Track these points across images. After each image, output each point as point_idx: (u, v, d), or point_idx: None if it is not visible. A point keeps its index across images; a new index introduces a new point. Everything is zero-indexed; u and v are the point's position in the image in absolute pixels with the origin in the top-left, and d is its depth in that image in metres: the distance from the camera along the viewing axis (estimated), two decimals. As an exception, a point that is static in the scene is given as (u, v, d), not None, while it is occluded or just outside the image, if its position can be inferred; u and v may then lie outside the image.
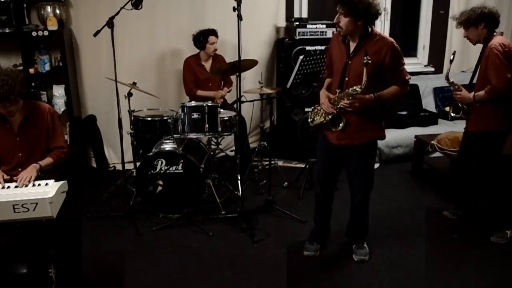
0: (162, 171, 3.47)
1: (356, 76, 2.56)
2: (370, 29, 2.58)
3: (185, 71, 4.31)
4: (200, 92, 4.27)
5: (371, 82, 2.55)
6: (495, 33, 2.96)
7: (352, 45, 2.63)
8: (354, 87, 2.54)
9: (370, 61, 2.44)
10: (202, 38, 4.18)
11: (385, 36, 2.64)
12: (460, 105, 3.14)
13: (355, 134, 2.69)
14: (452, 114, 3.20)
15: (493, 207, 3.22)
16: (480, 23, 2.94)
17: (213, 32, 4.19)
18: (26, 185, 2.47)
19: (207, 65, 4.33)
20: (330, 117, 2.67)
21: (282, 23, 4.91)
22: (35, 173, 2.55)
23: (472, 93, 3.02)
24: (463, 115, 3.16)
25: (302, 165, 4.34)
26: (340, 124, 2.65)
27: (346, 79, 2.63)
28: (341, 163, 2.88)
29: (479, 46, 3.07)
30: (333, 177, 2.95)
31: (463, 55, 5.43)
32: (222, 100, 4.23)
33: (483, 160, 3.10)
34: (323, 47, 4.24)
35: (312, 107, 2.89)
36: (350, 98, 2.56)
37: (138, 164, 3.63)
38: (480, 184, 3.20)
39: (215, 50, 4.22)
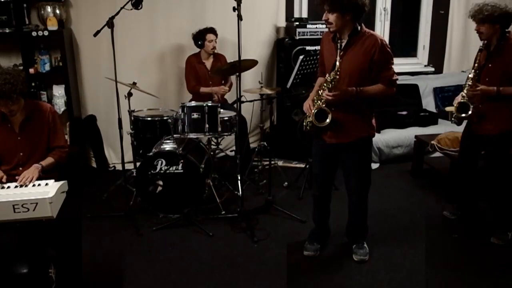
0: (162, 171, 3.47)
1: (348, 74, 2.57)
2: (359, 27, 2.59)
3: (187, 69, 4.35)
4: (203, 89, 4.30)
5: (361, 80, 2.57)
6: (508, 33, 2.93)
7: (342, 43, 2.63)
8: (331, 73, 2.55)
9: None
10: (200, 37, 4.22)
11: (375, 33, 2.64)
12: (468, 103, 3.03)
13: (344, 132, 2.70)
14: (462, 115, 3.05)
15: (499, 208, 3.21)
16: (498, 22, 2.88)
17: (211, 30, 4.22)
18: (26, 185, 2.47)
19: (208, 63, 4.35)
20: (315, 111, 2.63)
21: (282, 23, 4.92)
22: (37, 174, 2.56)
23: (494, 87, 2.93)
24: (468, 117, 3.08)
25: (302, 165, 4.34)
26: (327, 120, 2.60)
27: (337, 77, 2.64)
28: (336, 163, 2.90)
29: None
30: (330, 176, 2.97)
31: (463, 55, 5.44)
32: (223, 93, 4.26)
33: (500, 160, 3.06)
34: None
35: (306, 115, 2.84)
36: (331, 85, 2.55)
37: (138, 164, 3.63)
38: (490, 184, 3.17)
39: (214, 48, 4.25)
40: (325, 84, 2.60)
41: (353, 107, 2.64)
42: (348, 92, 2.57)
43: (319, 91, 2.67)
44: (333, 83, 2.56)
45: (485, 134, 3.08)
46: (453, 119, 3.18)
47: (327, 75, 2.61)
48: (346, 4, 2.47)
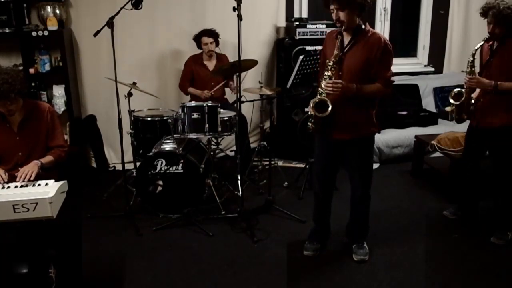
0: (162, 171, 3.47)
1: (350, 70, 2.59)
2: (363, 25, 2.62)
3: (184, 68, 4.38)
4: (190, 90, 4.33)
5: (361, 77, 2.60)
6: None
7: (346, 40, 2.65)
8: (331, 60, 2.60)
9: None
10: (196, 40, 4.26)
11: (379, 32, 2.70)
12: (463, 92, 3.11)
13: (353, 128, 2.72)
14: (451, 101, 3.18)
15: (499, 207, 3.20)
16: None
17: (206, 33, 4.21)
18: (27, 185, 2.47)
19: (210, 64, 4.35)
20: (316, 101, 2.61)
21: (282, 23, 4.92)
22: (36, 170, 2.55)
23: (492, 81, 2.94)
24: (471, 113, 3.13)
25: (302, 165, 4.34)
26: (328, 110, 2.57)
27: (340, 73, 2.65)
28: (339, 161, 2.90)
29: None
30: (332, 175, 2.97)
31: (463, 55, 5.43)
32: (205, 98, 4.14)
33: (504, 156, 3.05)
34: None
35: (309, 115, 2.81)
36: (332, 73, 2.58)
37: (138, 164, 3.64)
38: (495, 182, 3.16)
39: (210, 51, 4.23)
40: (326, 74, 2.60)
41: (357, 103, 2.66)
42: (349, 88, 2.59)
43: (320, 82, 2.66)
44: (332, 70, 2.58)
45: (487, 127, 3.06)
46: (453, 114, 3.24)
47: (327, 61, 2.63)
48: (355, 1, 2.51)
